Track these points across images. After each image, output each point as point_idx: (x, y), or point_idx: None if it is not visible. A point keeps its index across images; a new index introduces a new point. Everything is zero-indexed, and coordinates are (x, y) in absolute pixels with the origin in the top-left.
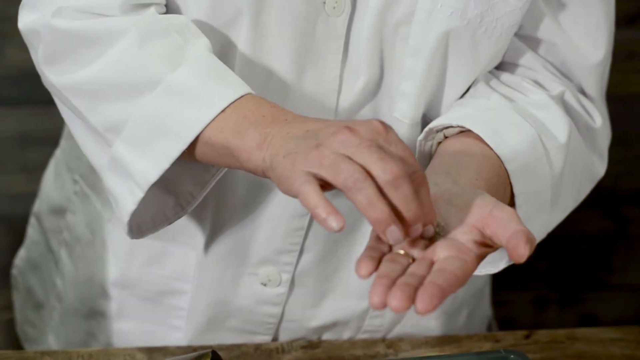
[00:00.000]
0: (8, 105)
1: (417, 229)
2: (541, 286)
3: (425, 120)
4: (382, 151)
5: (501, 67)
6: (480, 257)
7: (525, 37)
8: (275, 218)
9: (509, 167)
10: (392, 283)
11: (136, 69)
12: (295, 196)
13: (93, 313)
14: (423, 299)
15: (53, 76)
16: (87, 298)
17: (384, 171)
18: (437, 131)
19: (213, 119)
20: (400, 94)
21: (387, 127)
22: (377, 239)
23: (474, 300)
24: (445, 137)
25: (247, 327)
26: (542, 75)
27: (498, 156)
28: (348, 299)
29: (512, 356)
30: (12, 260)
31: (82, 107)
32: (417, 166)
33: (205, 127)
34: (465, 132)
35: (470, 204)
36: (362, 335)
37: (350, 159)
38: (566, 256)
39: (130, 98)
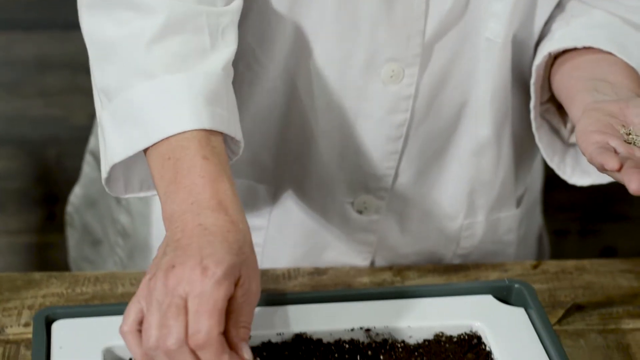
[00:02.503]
0: (26, 29)
1: None
2: (561, 217)
3: (516, 40)
4: (176, 314)
5: None
6: None
7: None
8: (370, 143)
9: None
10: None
11: (144, 54)
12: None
13: None
14: None
15: (85, 16)
16: (162, 235)
17: (163, 341)
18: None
19: (162, 142)
20: (491, 14)
21: (205, 277)
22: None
23: (535, 212)
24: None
25: (344, 257)
26: None
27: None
28: (441, 221)
29: (516, 285)
30: (30, 184)
31: (92, 57)
32: (204, 325)
33: (162, 142)
34: (578, 50)
35: None
36: (456, 260)
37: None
38: (586, 187)
39: (130, 76)
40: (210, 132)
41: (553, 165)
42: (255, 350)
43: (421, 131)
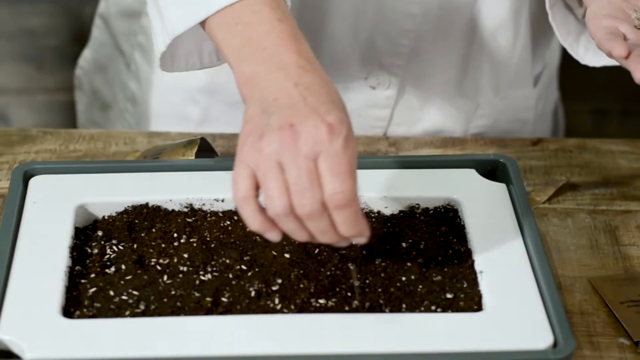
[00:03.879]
0: None
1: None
2: (602, 97)
3: None
4: (309, 177)
5: None
6: None
7: None
8: (386, 19)
9: None
10: None
11: None
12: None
13: (177, 117)
14: None
15: None
16: (171, 102)
17: (300, 205)
18: None
19: (225, 10)
20: None
21: (333, 135)
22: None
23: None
24: None
25: (357, 130)
26: None
27: None
28: (455, 100)
29: (500, 160)
30: (68, 42)
31: None
32: (344, 185)
33: (225, 10)
34: None
35: None
36: (436, 137)
37: (282, 168)
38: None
39: None
40: None
41: (566, 45)
42: (231, 213)
43: (438, 10)
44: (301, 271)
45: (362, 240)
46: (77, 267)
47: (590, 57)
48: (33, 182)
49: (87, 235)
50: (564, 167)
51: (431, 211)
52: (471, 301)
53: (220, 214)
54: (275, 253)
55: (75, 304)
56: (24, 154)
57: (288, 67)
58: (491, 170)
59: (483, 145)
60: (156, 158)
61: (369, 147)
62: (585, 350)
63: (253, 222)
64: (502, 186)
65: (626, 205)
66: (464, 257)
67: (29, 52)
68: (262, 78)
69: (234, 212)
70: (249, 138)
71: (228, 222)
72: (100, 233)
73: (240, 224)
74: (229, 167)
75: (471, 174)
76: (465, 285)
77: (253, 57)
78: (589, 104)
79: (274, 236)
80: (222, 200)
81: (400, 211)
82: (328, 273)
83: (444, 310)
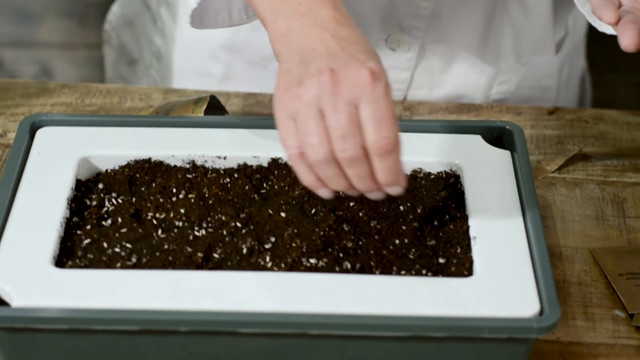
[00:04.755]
0: None
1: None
2: None
3: None
4: (351, 122)
5: None
6: None
7: None
8: None
9: None
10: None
11: None
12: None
13: (199, 73)
14: None
15: None
16: (194, 58)
17: (342, 150)
18: None
19: None
20: None
21: (376, 80)
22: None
23: (573, 55)
24: None
25: None
26: None
27: None
28: (476, 65)
29: (506, 127)
30: None
31: None
32: (390, 131)
33: None
34: None
35: None
36: (452, 102)
37: (322, 114)
38: None
39: None
40: None
41: (584, 12)
42: (232, 170)
43: None
44: (295, 230)
45: (397, 190)
46: (74, 219)
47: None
48: (39, 133)
49: (88, 187)
50: (578, 137)
51: (433, 176)
52: (462, 267)
53: (222, 171)
54: (271, 212)
55: (68, 255)
56: (40, 106)
57: (324, 22)
58: (499, 138)
59: (498, 113)
60: (167, 114)
61: None
62: (579, 320)
63: (306, 178)
64: (506, 153)
65: (637, 178)
66: (460, 223)
67: (72, 7)
68: (298, 32)
69: (235, 170)
70: (287, 88)
71: (228, 180)
72: (101, 186)
73: (240, 181)
74: (234, 125)
75: (477, 140)
76: (458, 251)
77: (288, 12)
78: (634, 76)
79: (325, 193)
80: (224, 158)
81: None
82: (321, 233)
83: (434, 275)
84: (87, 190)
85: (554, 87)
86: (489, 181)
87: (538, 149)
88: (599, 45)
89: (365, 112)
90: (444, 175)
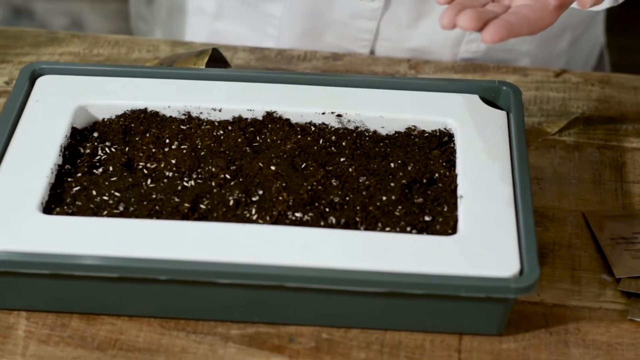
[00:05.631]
0: None
1: None
2: None
3: None
4: None
5: None
6: (562, 7)
7: None
8: None
9: None
10: (464, 9)
11: None
12: None
13: (195, 10)
14: (491, 29)
15: None
16: None
17: None
18: None
19: None
20: None
21: None
22: None
23: (581, 26)
24: None
25: (342, 42)
26: None
27: None
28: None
29: (504, 87)
30: None
31: None
32: None
33: None
34: None
35: None
36: (458, 62)
37: None
38: None
39: None
40: None
41: None
42: (226, 123)
43: None
44: (283, 184)
45: None
46: (66, 166)
47: None
48: (39, 81)
49: (83, 135)
50: (583, 100)
51: (427, 134)
52: (447, 225)
53: (216, 124)
54: (261, 164)
55: (56, 201)
56: (49, 55)
57: None
58: (496, 98)
59: (505, 73)
60: (170, 66)
61: (388, 69)
62: (565, 283)
63: None
64: (502, 114)
65: (638, 143)
66: (448, 181)
67: None
68: None
69: (230, 122)
70: None
71: (221, 132)
72: (96, 134)
73: (233, 134)
74: (232, 78)
75: (473, 99)
76: (445, 209)
77: None
78: None
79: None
80: (220, 110)
81: (396, 132)
82: (309, 187)
83: (419, 232)
84: (82, 139)
85: (531, 52)
86: (481, 141)
87: (541, 110)
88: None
89: None
90: (438, 134)
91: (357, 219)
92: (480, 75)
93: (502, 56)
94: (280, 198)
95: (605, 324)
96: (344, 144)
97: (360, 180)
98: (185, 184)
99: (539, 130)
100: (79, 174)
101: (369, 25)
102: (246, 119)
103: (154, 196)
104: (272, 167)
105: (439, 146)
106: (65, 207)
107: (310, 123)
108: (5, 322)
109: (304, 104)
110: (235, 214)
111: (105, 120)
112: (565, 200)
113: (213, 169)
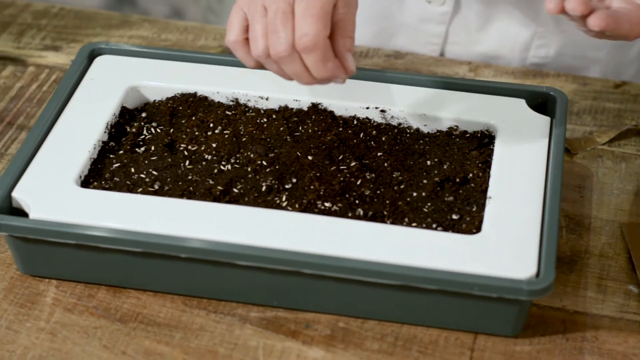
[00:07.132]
0: None
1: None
2: None
3: None
4: (283, 19)
5: None
6: None
7: None
8: None
9: None
10: None
11: None
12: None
13: None
14: (599, 15)
15: None
16: None
17: (272, 47)
18: None
19: None
20: None
21: None
22: None
23: None
24: None
25: (412, 45)
26: None
27: None
28: (513, 26)
29: (551, 94)
30: None
31: None
32: (310, 28)
33: None
34: None
35: None
36: (519, 67)
37: (266, 11)
38: None
39: None
40: None
41: None
42: (271, 111)
43: None
44: (317, 174)
45: (339, 82)
46: (111, 143)
47: None
48: (97, 61)
49: (132, 115)
50: (638, 113)
51: (468, 135)
52: (472, 225)
53: (262, 111)
54: (299, 154)
55: (96, 176)
56: (118, 37)
57: None
58: (543, 104)
59: (564, 81)
60: (231, 54)
61: (447, 70)
62: (590, 291)
63: (246, 61)
64: (545, 120)
65: None
66: (481, 182)
67: None
68: None
69: (275, 111)
70: None
71: (265, 120)
72: (144, 115)
73: (276, 122)
74: None
75: (519, 103)
76: (474, 209)
77: None
78: None
79: (273, 68)
80: (267, 99)
81: (438, 131)
82: (342, 179)
83: (444, 230)
84: (130, 118)
85: (602, 59)
86: (521, 145)
87: (594, 120)
88: None
89: (297, 9)
90: (479, 135)
91: (385, 213)
92: (539, 82)
93: (572, 63)
94: (312, 187)
95: (624, 334)
96: (384, 139)
97: (394, 176)
98: (222, 167)
99: (588, 139)
100: (121, 152)
101: (438, 29)
102: (291, 109)
103: (189, 177)
104: (309, 157)
105: (479, 147)
106: (103, 182)
107: (353, 117)
108: (35, 288)
109: (350, 98)
110: (265, 200)
111: (156, 102)
112: (604, 210)
113: (251, 155)
